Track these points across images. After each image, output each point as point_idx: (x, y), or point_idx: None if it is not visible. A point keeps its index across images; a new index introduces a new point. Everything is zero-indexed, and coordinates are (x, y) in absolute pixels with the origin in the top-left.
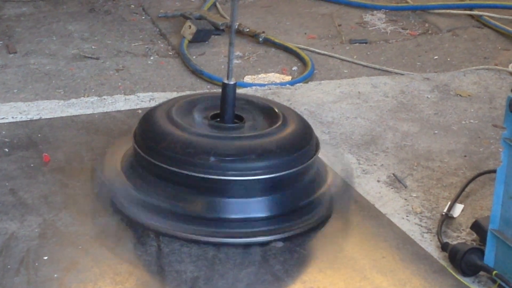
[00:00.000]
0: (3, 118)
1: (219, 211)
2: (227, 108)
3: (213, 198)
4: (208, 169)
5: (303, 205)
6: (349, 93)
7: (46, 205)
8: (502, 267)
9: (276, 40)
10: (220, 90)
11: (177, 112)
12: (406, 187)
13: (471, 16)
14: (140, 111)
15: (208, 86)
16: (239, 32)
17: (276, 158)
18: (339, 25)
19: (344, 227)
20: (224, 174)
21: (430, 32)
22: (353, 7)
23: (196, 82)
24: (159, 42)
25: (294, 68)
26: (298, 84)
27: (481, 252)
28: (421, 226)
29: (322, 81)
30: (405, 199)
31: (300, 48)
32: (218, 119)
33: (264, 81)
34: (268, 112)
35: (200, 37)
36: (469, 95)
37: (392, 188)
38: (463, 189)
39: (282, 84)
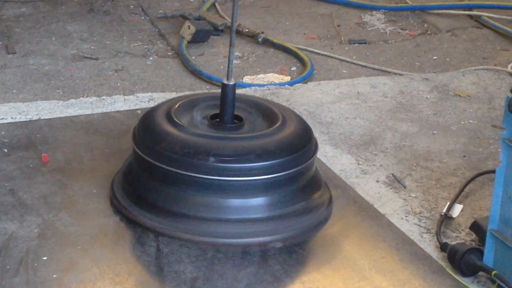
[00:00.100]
0: (2, 119)
1: (218, 211)
2: (227, 108)
3: (212, 198)
4: (208, 169)
5: (302, 205)
6: (348, 93)
7: (46, 206)
8: (501, 267)
9: (275, 41)
10: (219, 90)
11: (176, 112)
12: (405, 187)
13: (470, 16)
14: (139, 112)
15: (207, 87)
16: (238, 33)
17: (275, 159)
18: (338, 26)
19: (343, 227)
20: (223, 175)
21: (429, 32)
22: (352, 8)
23: (195, 83)
24: (158, 42)
25: (293, 68)
26: (297, 85)
27: (480, 252)
28: (420, 226)
29: (321, 82)
30: (404, 199)
31: (299, 49)
32: (218, 120)
33: (263, 82)
34: (267, 113)
35: (199, 38)
36: (468, 95)
37: (391, 189)
38: (462, 190)
39: (281, 84)
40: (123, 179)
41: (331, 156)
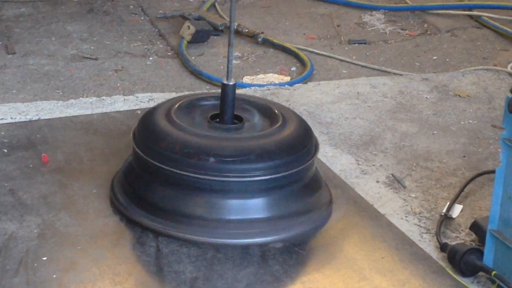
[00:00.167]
0: (2, 119)
1: (218, 211)
2: (227, 108)
3: (212, 198)
4: (208, 169)
5: (302, 205)
6: (348, 93)
7: (45, 206)
8: (501, 267)
9: (275, 41)
10: (219, 90)
11: (176, 112)
12: (405, 187)
13: (470, 16)
14: (139, 112)
15: (207, 87)
16: (238, 33)
17: (275, 159)
18: (338, 26)
19: (343, 227)
20: (224, 175)
21: (429, 32)
22: (352, 8)
23: (195, 83)
24: (158, 42)
25: (293, 68)
26: (297, 85)
27: (480, 253)
28: (420, 227)
29: (321, 82)
30: (404, 200)
31: (299, 49)
32: (218, 120)
33: (263, 82)
34: (268, 113)
35: (199, 38)
36: (468, 96)
37: (391, 189)
38: (462, 190)
39: (281, 84)
40: (123, 179)
41: (331, 156)
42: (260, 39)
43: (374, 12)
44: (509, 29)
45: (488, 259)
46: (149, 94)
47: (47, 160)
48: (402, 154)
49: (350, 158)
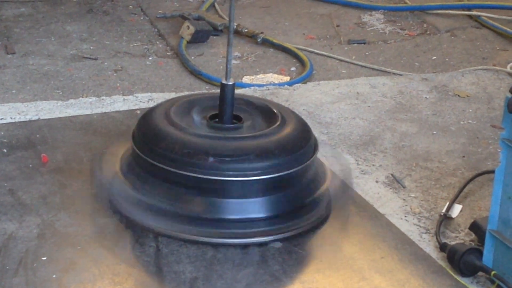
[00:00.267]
0: (1, 119)
1: (218, 211)
2: (226, 108)
3: (211, 198)
4: (207, 169)
5: (302, 205)
6: (347, 93)
7: (45, 206)
8: (501, 267)
9: (275, 41)
10: (218, 90)
11: (175, 112)
12: (404, 187)
13: (470, 16)
14: (138, 112)
15: (207, 87)
16: (238, 33)
17: (274, 159)
18: (338, 26)
19: (343, 227)
20: (223, 175)
21: (428, 32)
22: (351, 8)
23: (194, 83)
24: (158, 42)
25: (293, 68)
26: (296, 85)
27: (479, 253)
28: (420, 227)
29: (321, 82)
30: (404, 200)
31: (298, 49)
32: (217, 120)
33: (262, 82)
34: (267, 113)
35: (199, 38)
36: (467, 96)
37: (390, 189)
38: (461, 190)
39: (280, 84)
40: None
41: (330, 156)
42: (259, 39)
43: (373, 12)
44: (508, 29)
45: (487, 259)
46: (149, 94)
47: (47, 160)
48: (402, 154)
49: (350, 158)
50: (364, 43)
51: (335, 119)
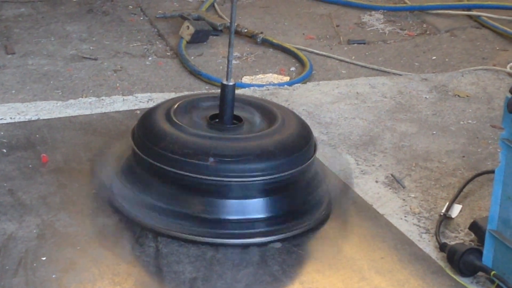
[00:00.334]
0: (1, 119)
1: (218, 212)
2: (226, 108)
3: (211, 199)
4: (207, 170)
5: (302, 206)
6: (347, 93)
7: (45, 206)
8: (501, 267)
9: (274, 41)
10: (218, 90)
11: (175, 112)
12: (404, 187)
13: (469, 16)
14: (138, 112)
15: (207, 87)
16: (237, 33)
17: (274, 159)
18: (337, 26)
19: (343, 227)
20: (223, 175)
21: (428, 32)
22: (351, 8)
23: (194, 83)
24: (157, 42)
25: (292, 68)
26: (296, 85)
27: (479, 253)
28: (419, 227)
29: (320, 82)
30: (404, 200)
31: (298, 49)
32: (217, 120)
33: (262, 82)
34: (267, 113)
35: (198, 38)
36: (467, 96)
37: (390, 189)
38: (461, 190)
39: (280, 84)
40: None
41: (330, 157)
42: (259, 39)
43: (373, 12)
44: (508, 29)
45: (487, 259)
46: (148, 94)
47: (46, 160)
48: (402, 154)
49: (350, 158)
50: (364, 43)
51: (335, 119)
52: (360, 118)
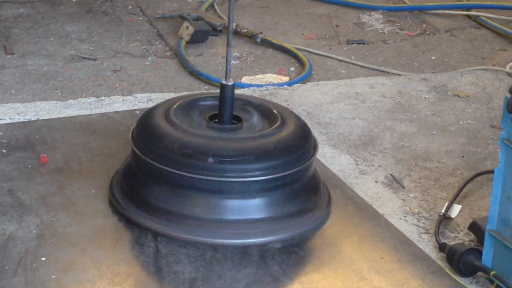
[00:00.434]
0: (0, 119)
1: (217, 212)
2: (225, 109)
3: (211, 199)
4: (206, 170)
5: (301, 206)
6: (346, 93)
7: (44, 206)
8: (500, 267)
9: (274, 41)
10: (218, 90)
11: (175, 112)
12: (403, 187)
13: (469, 16)
14: (137, 112)
15: (206, 87)
16: (237, 33)
17: (274, 159)
18: (337, 26)
19: (342, 227)
20: (222, 175)
21: (427, 32)
22: (350, 8)
23: (193, 83)
24: (157, 43)
25: (292, 68)
26: (295, 85)
27: (479, 253)
28: (419, 227)
29: (320, 82)
30: (403, 200)
31: (297, 49)
32: (216, 120)
33: (261, 82)
34: (266, 113)
35: (198, 38)
36: (466, 96)
37: (390, 189)
38: (460, 190)
39: (279, 84)
40: (122, 179)
41: (329, 157)
42: (258, 39)
43: (372, 12)
44: (507, 29)
45: (486, 259)
46: (148, 94)
47: (46, 160)
48: (401, 154)
49: (349, 158)
50: (363, 43)
51: (334, 119)
52: (360, 118)
